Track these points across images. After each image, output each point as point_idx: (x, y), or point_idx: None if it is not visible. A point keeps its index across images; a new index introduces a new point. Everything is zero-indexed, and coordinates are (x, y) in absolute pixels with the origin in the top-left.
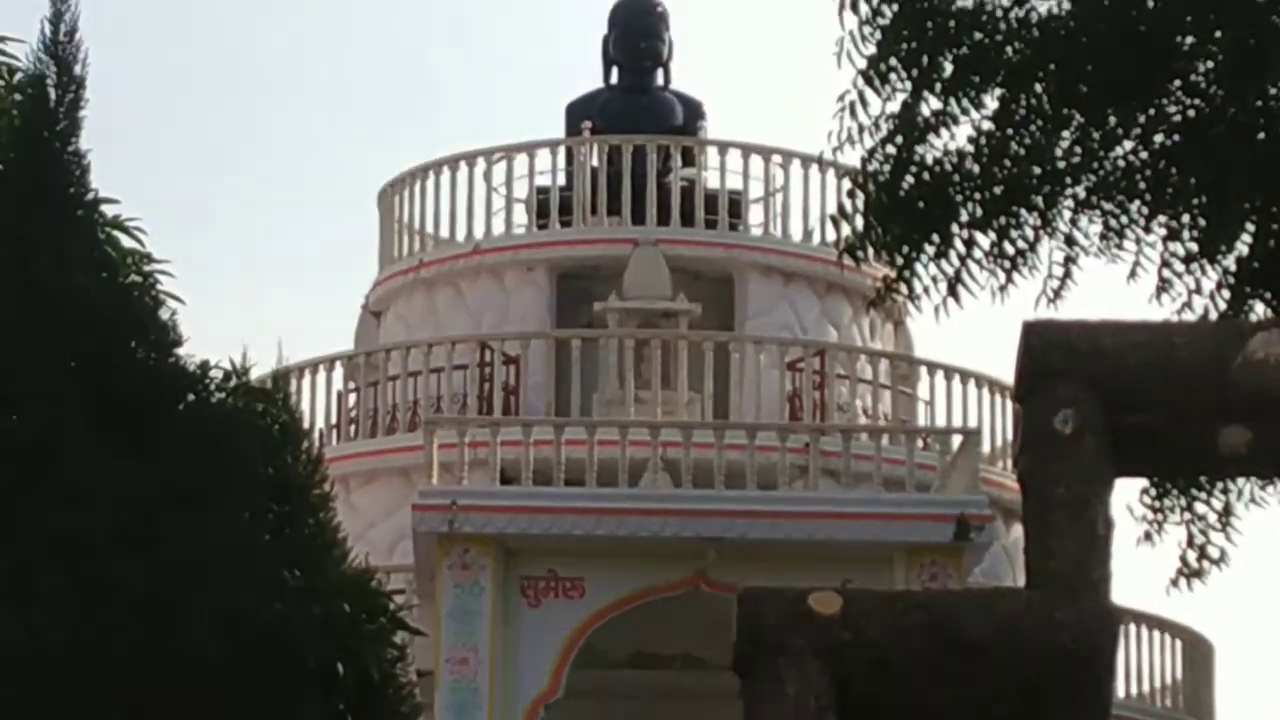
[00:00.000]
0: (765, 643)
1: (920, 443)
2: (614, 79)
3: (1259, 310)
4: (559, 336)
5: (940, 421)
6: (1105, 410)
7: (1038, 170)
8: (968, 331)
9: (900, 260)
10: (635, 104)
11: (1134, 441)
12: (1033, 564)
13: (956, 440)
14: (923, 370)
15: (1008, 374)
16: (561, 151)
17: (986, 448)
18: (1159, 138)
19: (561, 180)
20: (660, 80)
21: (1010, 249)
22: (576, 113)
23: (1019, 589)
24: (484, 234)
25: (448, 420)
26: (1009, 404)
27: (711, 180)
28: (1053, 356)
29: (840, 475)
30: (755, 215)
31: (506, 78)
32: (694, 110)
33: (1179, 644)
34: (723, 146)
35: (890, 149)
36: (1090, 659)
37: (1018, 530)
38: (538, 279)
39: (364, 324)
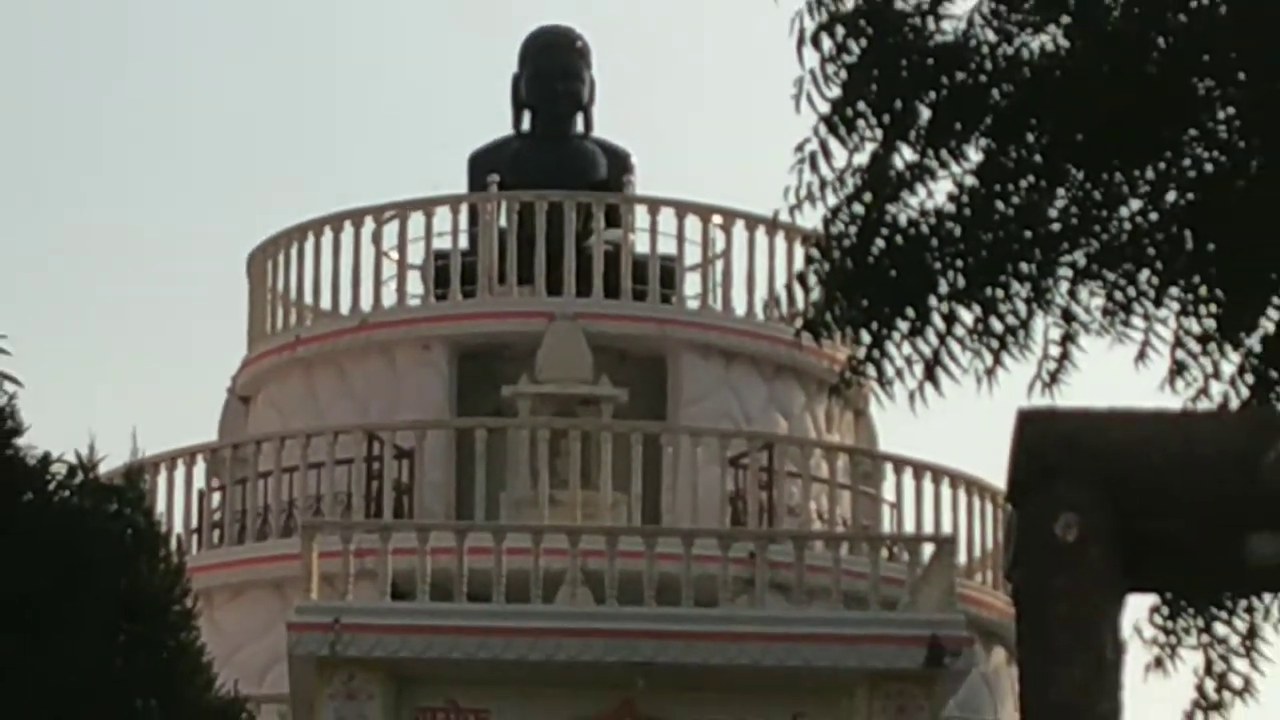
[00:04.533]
0: None
1: (886, 552)
2: (525, 125)
3: None
4: (460, 426)
5: (909, 528)
6: (1114, 515)
7: (1029, 234)
8: (945, 424)
9: (868, 338)
10: (551, 155)
11: (1148, 551)
12: (1030, 695)
13: (928, 550)
14: (889, 468)
15: (990, 473)
16: (464, 210)
17: (963, 558)
18: (1171, 196)
19: (464, 243)
20: (580, 127)
21: (998, 325)
22: (481, 164)
23: None
24: (372, 305)
25: (330, 524)
26: (990, 507)
27: (640, 244)
28: (1052, 452)
29: (792, 591)
30: (692, 285)
31: (400, 125)
32: (620, 162)
33: None
34: (654, 204)
35: (857, 207)
36: None
37: (999, 655)
38: (436, 358)
39: (230, 411)
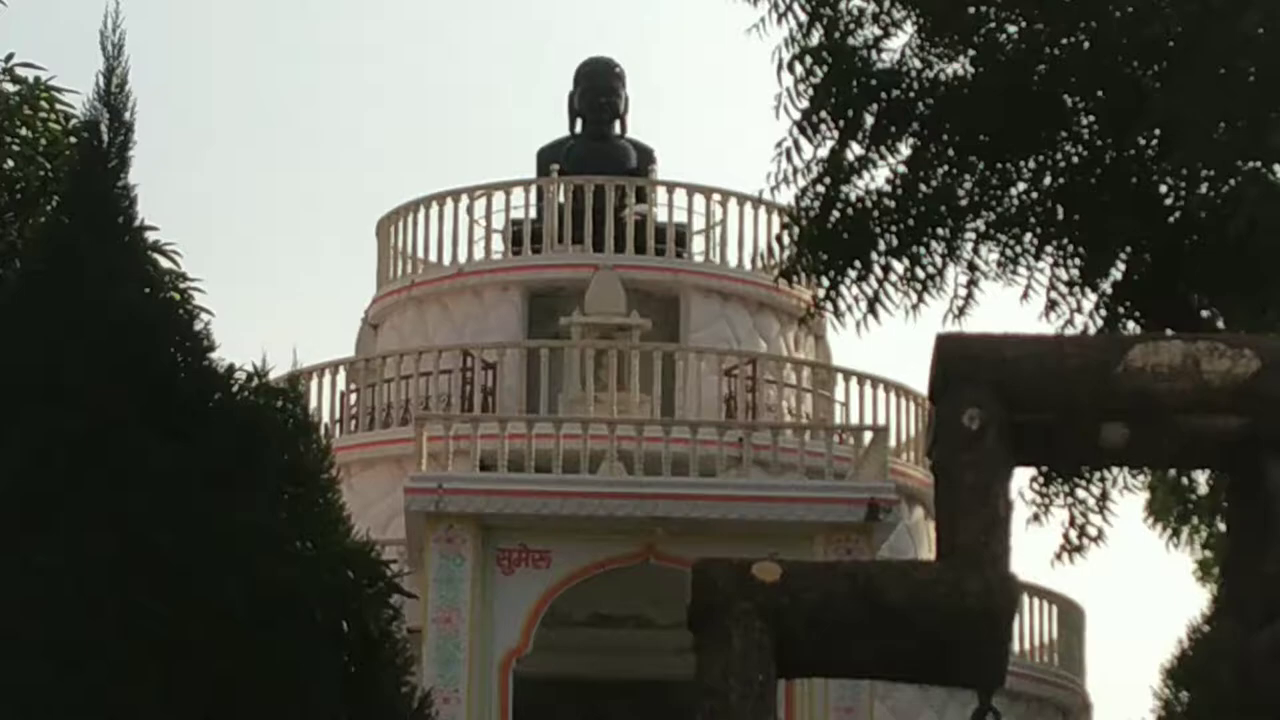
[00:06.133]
0: (716, 604)
1: (837, 438)
2: (579, 128)
3: (1131, 327)
4: (530, 346)
5: (854, 420)
6: (1005, 409)
7: (944, 207)
8: (882, 345)
9: (826, 282)
10: (596, 150)
11: (1029, 436)
12: (943, 540)
13: (868, 436)
14: (840, 377)
15: (914, 380)
16: (534, 190)
17: (893, 442)
18: (1047, 180)
19: (533, 214)
20: (618, 130)
21: (921, 274)
22: (546, 157)
23: (931, 561)
24: (467, 259)
25: (435, 416)
26: (913, 405)
27: (661, 215)
28: (961, 364)
29: (769, 465)
30: (698, 245)
31: (489, 127)
32: (646, 155)
33: (1056, 609)
34: (670, 186)
35: (819, 188)
36: (992, 621)
37: (919, 512)
38: (512, 297)
39: (364, 335)
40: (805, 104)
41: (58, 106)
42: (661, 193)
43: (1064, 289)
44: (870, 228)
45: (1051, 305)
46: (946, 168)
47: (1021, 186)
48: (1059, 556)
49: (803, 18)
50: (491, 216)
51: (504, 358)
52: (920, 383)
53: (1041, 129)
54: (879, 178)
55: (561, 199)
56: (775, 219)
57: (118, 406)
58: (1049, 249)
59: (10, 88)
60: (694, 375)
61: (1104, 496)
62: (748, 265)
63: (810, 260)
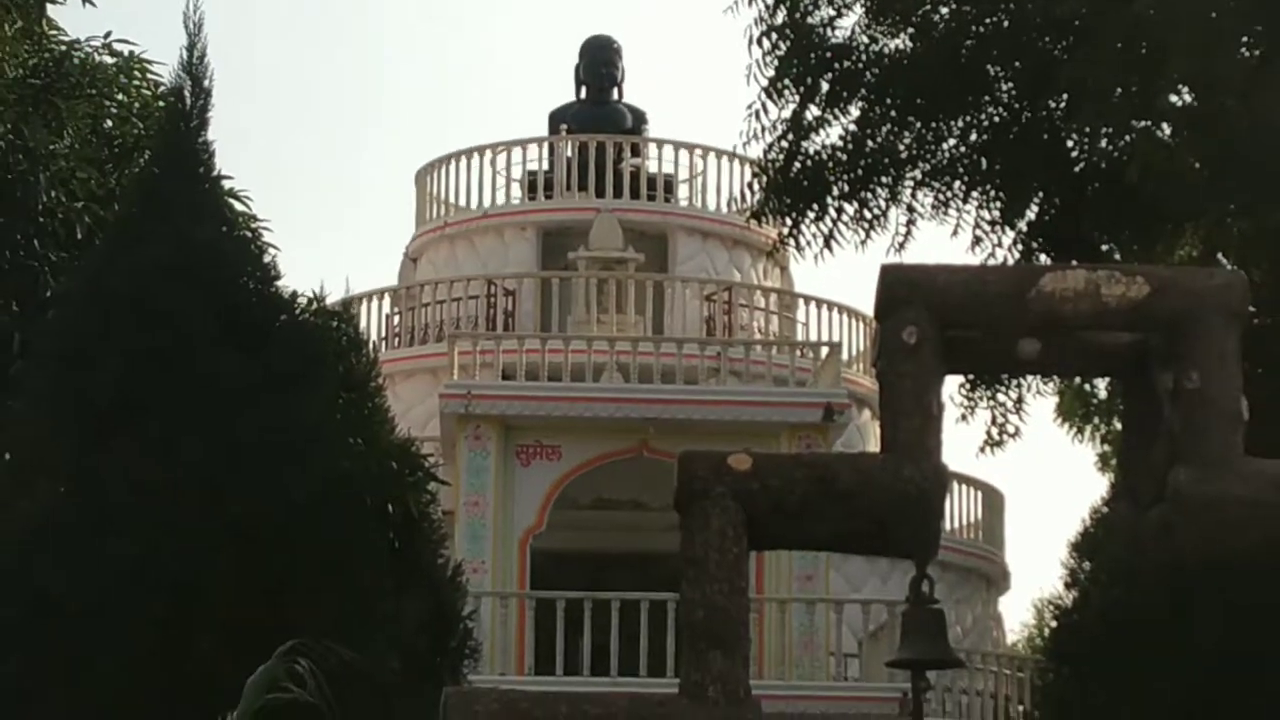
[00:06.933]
0: (697, 489)
1: (798, 352)
2: (583, 95)
3: (1043, 259)
4: (543, 276)
5: (813, 337)
6: (938, 327)
7: (887, 159)
8: (836, 274)
9: (789, 222)
10: (598, 113)
11: (957, 349)
12: (886, 435)
13: (824, 351)
14: (801, 301)
15: (862, 303)
16: (546, 146)
17: (846, 356)
18: (974, 137)
19: (546, 166)
20: (616, 96)
21: (868, 215)
22: (556, 118)
23: (876, 454)
24: (490, 203)
25: (464, 335)
26: (861, 325)
27: (651, 167)
28: (901, 289)
29: (742, 375)
30: (683, 192)
31: (509, 94)
32: (639, 117)
33: (980, 494)
34: (659, 143)
35: (783, 144)
36: (926, 503)
37: (866, 414)
38: (528, 236)
39: (405, 267)
40: (771, 73)
41: (148, 76)
42: (652, 148)
43: (987, 227)
44: (825, 176)
45: (977, 241)
46: (889, 126)
47: (952, 142)
48: (983, 449)
49: (769, 0)
50: (511, 168)
51: (521, 286)
52: (867, 305)
53: (969, 94)
54: (833, 135)
55: (569, 153)
56: (747, 169)
57: (200, 327)
58: (975, 194)
59: (109, 60)
60: (679, 300)
61: (1020, 400)
62: (724, 208)
63: (776, 203)
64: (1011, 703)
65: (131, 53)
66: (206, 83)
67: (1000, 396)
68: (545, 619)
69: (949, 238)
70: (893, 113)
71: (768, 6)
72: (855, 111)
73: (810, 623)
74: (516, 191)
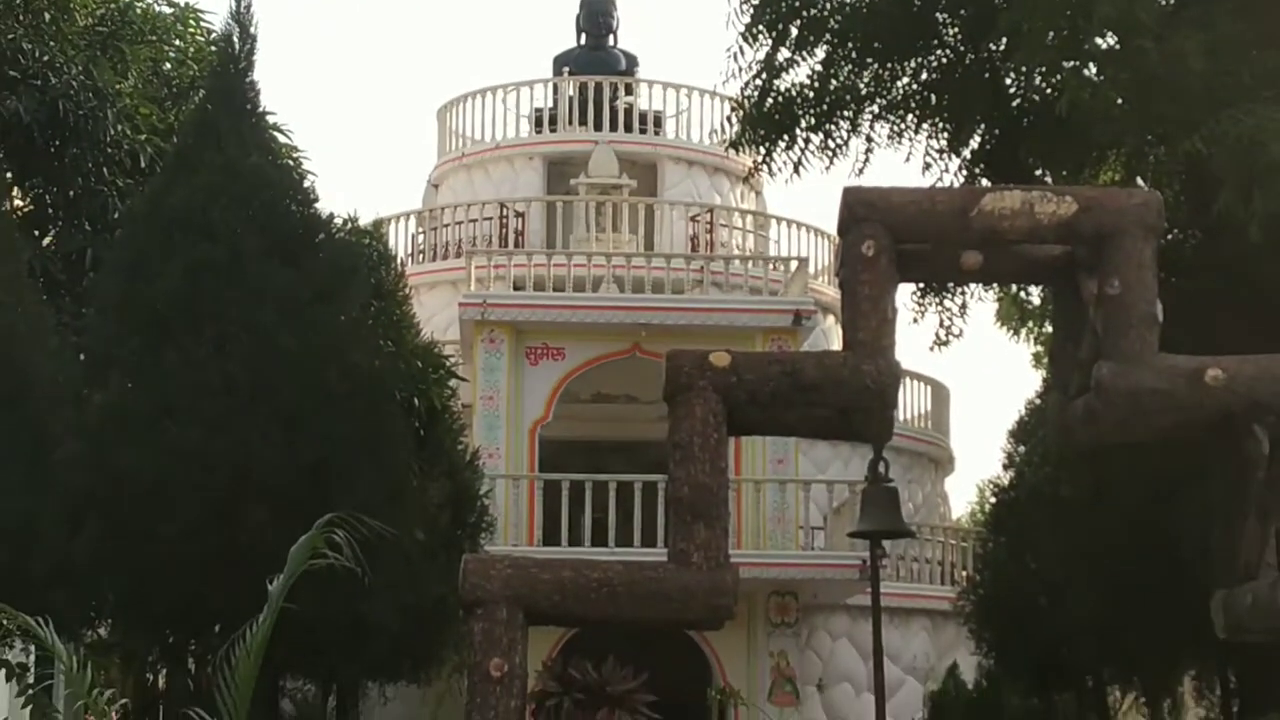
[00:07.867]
0: (683, 383)
1: (771, 266)
2: (583, 40)
3: (984, 182)
4: (549, 200)
5: (784, 252)
6: (892, 241)
7: (849, 96)
8: (804, 196)
9: (763, 152)
10: (596, 57)
11: (909, 260)
12: (847, 335)
13: (794, 264)
14: (773, 221)
15: (826, 223)
16: (550, 86)
17: (812, 269)
18: (924, 76)
19: (550, 104)
20: (611, 42)
21: (832, 144)
22: (560, 61)
23: (839, 351)
24: (503, 136)
25: (480, 251)
26: (826, 241)
27: (643, 104)
28: (861, 208)
29: (722, 285)
30: (670, 126)
31: (518, 39)
32: (632, 61)
33: (929, 388)
34: (650, 83)
35: (758, 82)
36: (883, 394)
37: (830, 319)
38: (536, 164)
39: (428, 192)
40: (747, 19)
41: (202, 24)
42: (643, 88)
43: (936, 155)
44: (795, 111)
45: (927, 166)
46: (850, 67)
47: (905, 80)
48: (932, 348)
49: None
50: (520, 105)
51: (530, 209)
52: (831, 224)
53: (920, 38)
54: (801, 74)
55: (571, 93)
56: (726, 105)
57: (249, 242)
58: (925, 126)
59: (167, 10)
60: (667, 221)
61: (964, 305)
62: (706, 140)
63: (751, 135)
64: (956, 568)
65: (187, 3)
66: (253, 29)
67: (947, 302)
68: (552, 498)
69: (902, 164)
70: (853, 55)
71: None
72: (821, 54)
73: (782, 500)
74: (525, 126)
